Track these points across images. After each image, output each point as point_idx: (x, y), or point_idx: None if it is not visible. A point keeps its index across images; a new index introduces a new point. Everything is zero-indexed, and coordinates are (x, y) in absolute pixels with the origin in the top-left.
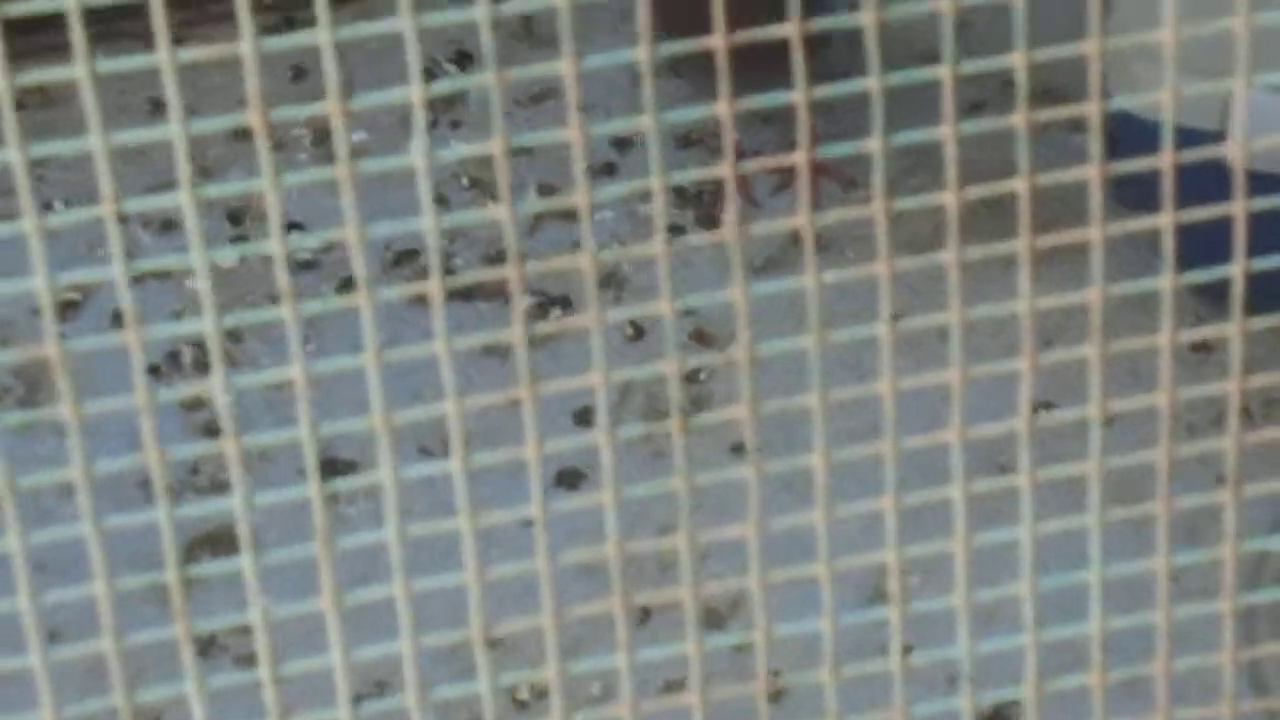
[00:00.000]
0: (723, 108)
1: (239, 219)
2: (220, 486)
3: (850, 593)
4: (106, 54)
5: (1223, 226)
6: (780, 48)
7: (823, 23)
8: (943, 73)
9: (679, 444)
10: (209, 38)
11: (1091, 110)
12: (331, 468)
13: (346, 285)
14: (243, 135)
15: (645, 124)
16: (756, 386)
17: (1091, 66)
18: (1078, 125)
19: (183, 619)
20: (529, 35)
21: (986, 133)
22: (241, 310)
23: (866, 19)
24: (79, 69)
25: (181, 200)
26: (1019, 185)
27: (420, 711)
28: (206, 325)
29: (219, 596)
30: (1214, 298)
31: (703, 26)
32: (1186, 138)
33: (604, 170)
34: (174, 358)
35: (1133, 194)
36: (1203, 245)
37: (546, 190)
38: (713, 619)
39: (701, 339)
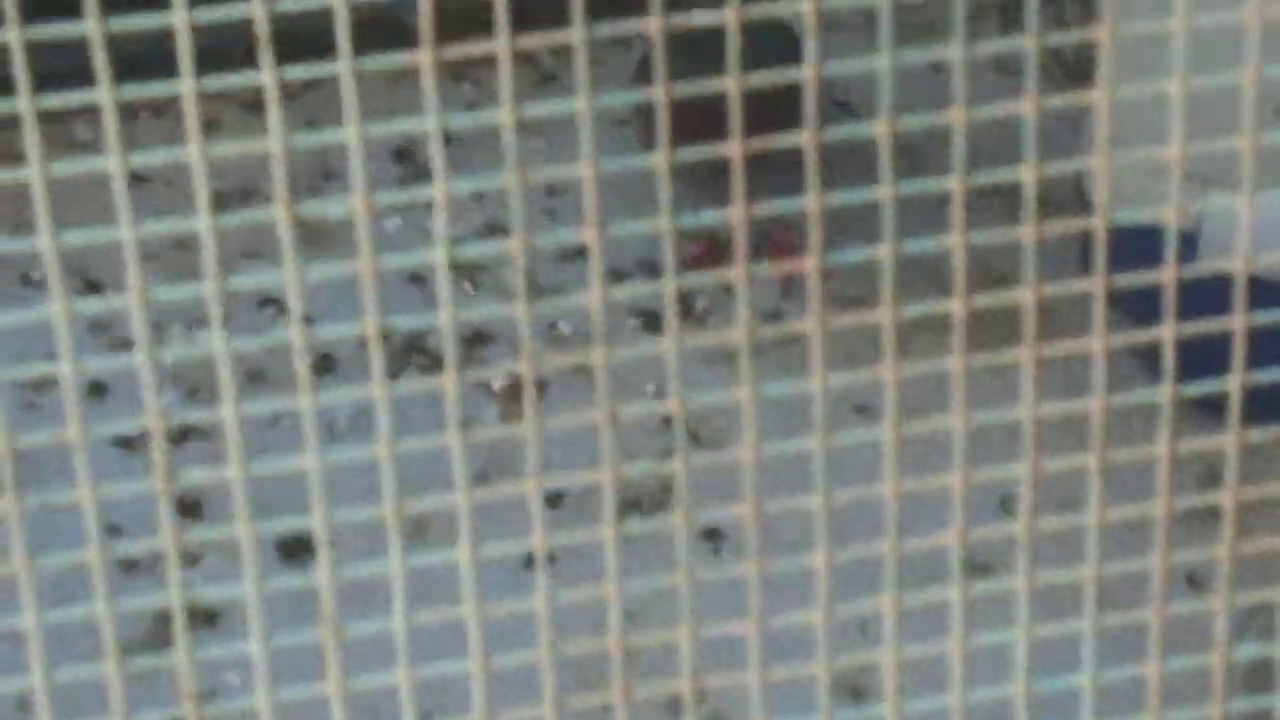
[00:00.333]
0: (737, 211)
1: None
2: (190, 561)
3: (818, 690)
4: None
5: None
6: (759, 155)
7: (818, 134)
8: (952, 184)
9: (681, 534)
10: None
11: (1095, 224)
12: (304, 548)
13: (325, 363)
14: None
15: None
16: (740, 479)
17: (1098, 183)
18: (1048, 213)
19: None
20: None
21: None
22: (200, 403)
23: (880, 129)
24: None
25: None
26: (1025, 297)
27: None
28: (150, 416)
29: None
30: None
31: (688, 133)
32: (1153, 236)
33: (578, 255)
34: (145, 435)
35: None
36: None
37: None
38: (674, 705)
39: (673, 426)
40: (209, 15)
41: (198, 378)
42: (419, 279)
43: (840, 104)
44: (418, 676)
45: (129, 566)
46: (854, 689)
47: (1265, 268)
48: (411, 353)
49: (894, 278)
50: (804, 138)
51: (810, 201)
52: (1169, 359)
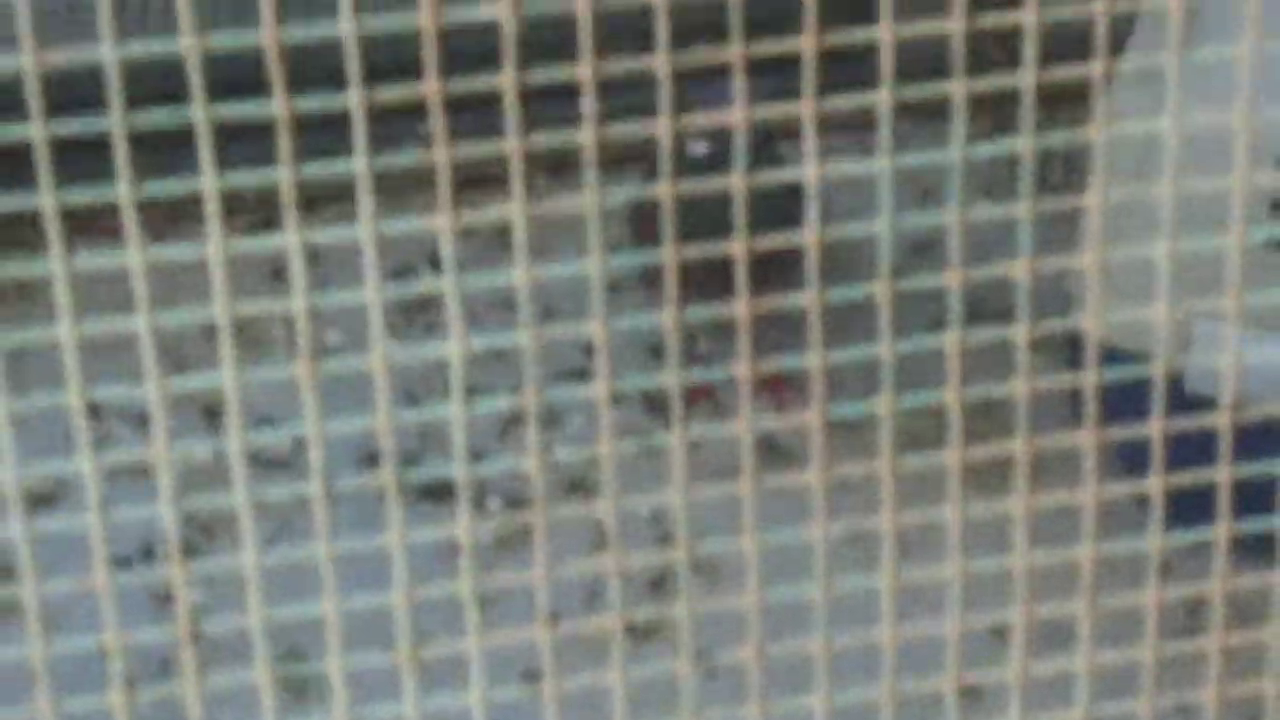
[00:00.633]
0: (741, 308)
1: (214, 415)
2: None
3: None
4: (89, 245)
5: (1183, 450)
6: (754, 262)
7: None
8: (951, 278)
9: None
10: (189, 234)
11: (1087, 379)
12: (301, 658)
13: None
14: (215, 331)
15: (612, 332)
16: (726, 590)
17: (1092, 334)
18: (1036, 345)
19: None
20: (500, 237)
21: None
22: (210, 500)
23: (881, 227)
24: (55, 264)
25: (150, 393)
26: (1018, 449)
27: None
28: (166, 513)
29: None
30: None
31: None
32: (1132, 360)
33: (575, 375)
34: (148, 552)
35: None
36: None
37: (517, 392)
38: None
39: (669, 542)
40: (228, 110)
41: (207, 521)
42: (414, 398)
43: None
44: None
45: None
46: None
47: (1253, 403)
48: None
49: (859, 380)
50: (805, 298)
51: (813, 358)
52: (1157, 509)
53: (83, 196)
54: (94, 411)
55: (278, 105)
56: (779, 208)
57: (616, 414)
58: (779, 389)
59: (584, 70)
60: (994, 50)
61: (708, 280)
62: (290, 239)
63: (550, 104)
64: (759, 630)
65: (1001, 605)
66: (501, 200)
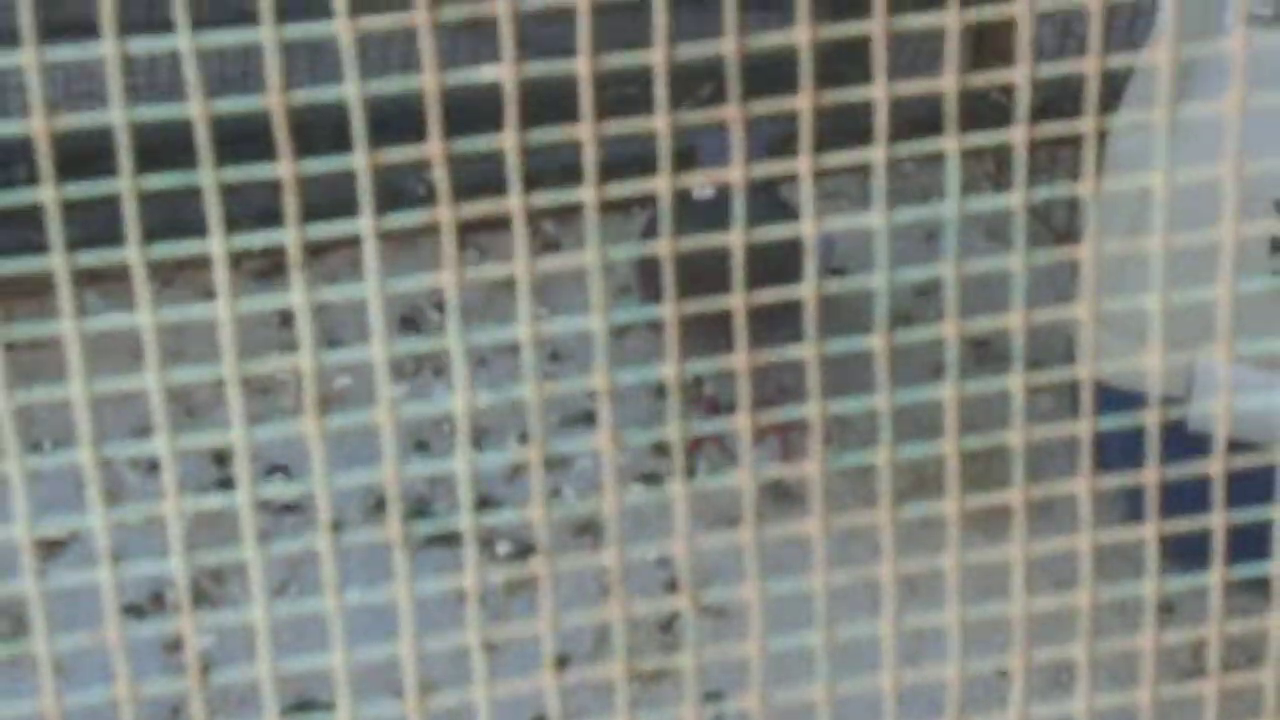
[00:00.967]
0: (738, 361)
1: (224, 460)
2: None
3: None
4: (102, 295)
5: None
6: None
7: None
8: (948, 330)
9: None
10: (197, 280)
11: (1082, 428)
12: (310, 708)
13: (337, 526)
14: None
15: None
16: (733, 633)
17: (1085, 380)
18: (1045, 388)
19: None
20: (508, 281)
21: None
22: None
23: (878, 281)
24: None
25: (160, 446)
26: (1015, 498)
27: None
28: (176, 565)
29: None
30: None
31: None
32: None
33: (583, 420)
34: (158, 598)
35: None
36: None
37: (526, 438)
38: None
39: (677, 587)
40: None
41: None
42: (424, 445)
43: (835, 270)
44: None
45: None
46: None
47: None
48: (418, 518)
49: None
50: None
51: (813, 409)
52: (1152, 552)
53: (90, 259)
54: (104, 462)
55: (283, 168)
56: (786, 244)
57: (624, 457)
58: (786, 431)
59: (584, 130)
60: (996, 90)
61: (716, 318)
62: (296, 299)
63: (556, 152)
64: (762, 676)
65: (1038, 645)
66: (509, 240)
